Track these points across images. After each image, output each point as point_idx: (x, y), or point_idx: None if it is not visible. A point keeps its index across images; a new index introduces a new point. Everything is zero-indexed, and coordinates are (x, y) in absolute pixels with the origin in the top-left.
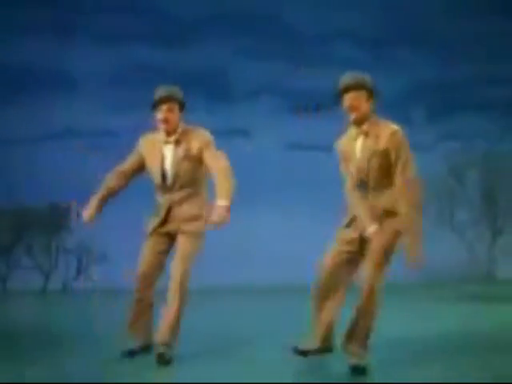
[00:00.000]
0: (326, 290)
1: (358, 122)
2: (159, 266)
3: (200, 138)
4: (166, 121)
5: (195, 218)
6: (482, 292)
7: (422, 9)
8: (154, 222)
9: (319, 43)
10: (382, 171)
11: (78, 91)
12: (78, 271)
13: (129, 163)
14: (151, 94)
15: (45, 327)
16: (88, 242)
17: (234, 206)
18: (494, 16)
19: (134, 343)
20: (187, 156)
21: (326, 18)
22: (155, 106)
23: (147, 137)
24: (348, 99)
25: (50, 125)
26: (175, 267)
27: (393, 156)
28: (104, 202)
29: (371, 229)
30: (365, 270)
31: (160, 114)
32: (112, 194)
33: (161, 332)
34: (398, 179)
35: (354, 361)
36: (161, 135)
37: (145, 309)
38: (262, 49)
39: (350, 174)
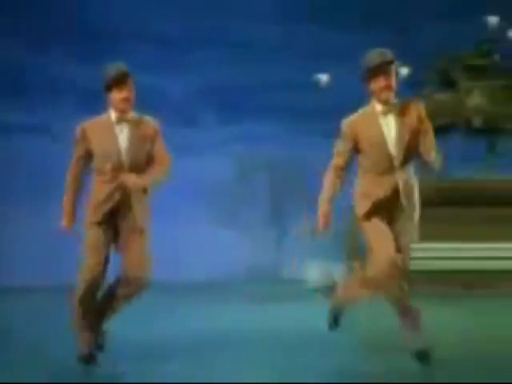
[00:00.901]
0: None
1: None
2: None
3: (153, 124)
4: (128, 100)
5: (147, 215)
6: (269, 292)
7: (220, 10)
8: (102, 208)
9: (107, 40)
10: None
11: None
12: None
13: (79, 154)
14: None
15: None
16: None
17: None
18: (302, 22)
19: None
20: (145, 138)
21: (118, 15)
22: (114, 84)
23: (89, 122)
24: (387, 79)
25: None
26: (140, 265)
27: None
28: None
29: None
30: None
31: (122, 93)
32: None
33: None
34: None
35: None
36: (110, 116)
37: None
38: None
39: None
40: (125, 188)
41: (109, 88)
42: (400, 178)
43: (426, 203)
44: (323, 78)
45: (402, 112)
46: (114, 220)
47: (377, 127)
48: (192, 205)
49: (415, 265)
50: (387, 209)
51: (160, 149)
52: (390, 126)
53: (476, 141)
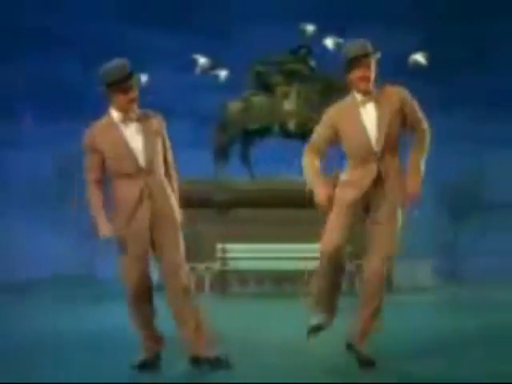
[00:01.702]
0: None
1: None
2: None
3: (157, 118)
4: (134, 101)
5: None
6: (83, 291)
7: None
8: (131, 210)
9: None
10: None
11: None
12: None
13: (93, 165)
14: None
15: None
16: None
17: None
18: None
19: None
20: (153, 132)
21: None
22: (118, 86)
23: (95, 128)
24: (365, 70)
25: None
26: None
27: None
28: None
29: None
30: (373, 261)
31: (129, 95)
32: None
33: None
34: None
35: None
36: (113, 117)
37: None
38: None
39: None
40: (150, 187)
41: (112, 89)
42: (382, 165)
43: (234, 205)
44: (143, 77)
45: (381, 99)
46: (148, 218)
47: (356, 116)
48: (8, 200)
49: (227, 265)
50: (369, 196)
51: (169, 152)
52: (369, 115)
53: (291, 144)
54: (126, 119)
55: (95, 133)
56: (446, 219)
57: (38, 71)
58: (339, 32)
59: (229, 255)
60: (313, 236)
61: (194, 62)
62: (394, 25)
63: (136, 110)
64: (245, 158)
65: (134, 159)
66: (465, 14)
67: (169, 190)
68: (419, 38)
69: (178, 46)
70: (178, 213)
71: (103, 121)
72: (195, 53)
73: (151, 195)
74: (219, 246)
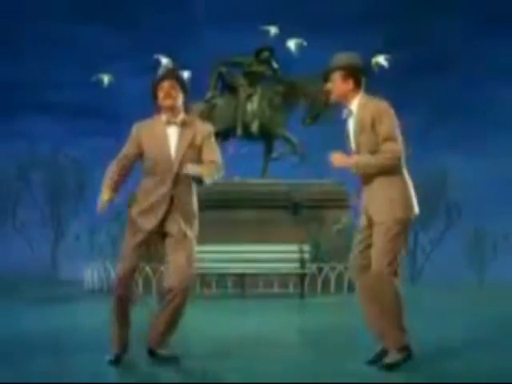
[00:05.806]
0: None
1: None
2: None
3: (204, 126)
4: (169, 95)
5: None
6: (45, 293)
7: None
8: (152, 213)
9: None
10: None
11: None
12: None
13: (128, 151)
14: None
15: None
16: None
17: None
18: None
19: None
20: (191, 141)
21: None
22: (160, 81)
23: (144, 122)
24: (167, 91)
25: None
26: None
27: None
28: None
29: None
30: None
31: (168, 90)
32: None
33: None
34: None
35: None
36: (161, 118)
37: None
38: None
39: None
40: (173, 194)
41: (156, 90)
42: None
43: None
44: (105, 77)
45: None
46: (163, 224)
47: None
48: None
49: None
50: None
51: (210, 151)
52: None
53: (254, 144)
54: (170, 122)
55: (143, 126)
56: None
57: None
58: (301, 34)
59: None
60: (264, 237)
61: (157, 63)
62: (354, 27)
63: (180, 115)
64: None
65: (169, 162)
66: (422, 18)
67: (192, 202)
68: (379, 41)
69: (135, 47)
70: (192, 228)
71: (153, 119)
72: (156, 53)
73: (173, 200)
74: None
